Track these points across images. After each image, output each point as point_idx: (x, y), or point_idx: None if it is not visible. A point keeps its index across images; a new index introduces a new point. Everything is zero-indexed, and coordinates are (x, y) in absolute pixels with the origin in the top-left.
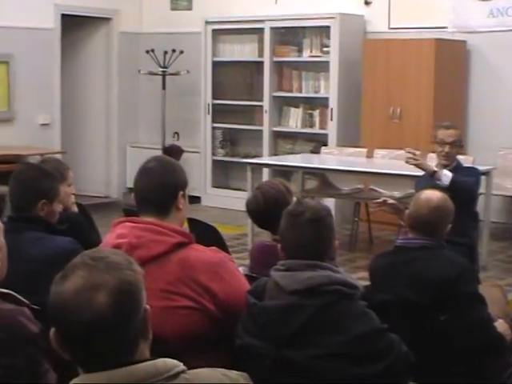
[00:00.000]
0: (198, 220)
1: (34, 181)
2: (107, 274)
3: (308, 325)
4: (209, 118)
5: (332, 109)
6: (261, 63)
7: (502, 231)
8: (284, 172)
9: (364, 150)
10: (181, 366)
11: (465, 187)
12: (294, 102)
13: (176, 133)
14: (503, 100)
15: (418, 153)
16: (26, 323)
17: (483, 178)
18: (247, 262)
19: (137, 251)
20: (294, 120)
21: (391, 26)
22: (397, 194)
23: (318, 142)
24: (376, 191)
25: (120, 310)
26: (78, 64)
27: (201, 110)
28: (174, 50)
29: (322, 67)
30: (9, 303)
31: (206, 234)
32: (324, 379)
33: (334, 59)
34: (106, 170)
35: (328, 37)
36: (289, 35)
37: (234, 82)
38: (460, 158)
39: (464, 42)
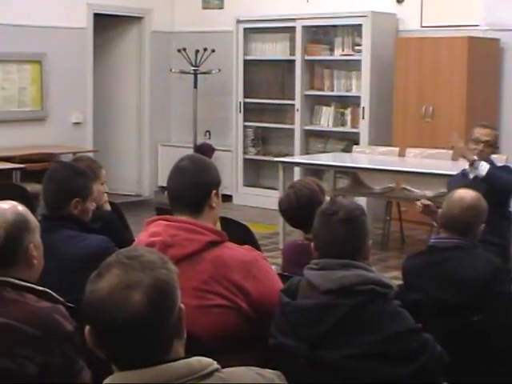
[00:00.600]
0: (230, 219)
1: (67, 179)
2: (142, 273)
3: (341, 324)
4: (240, 116)
5: (364, 107)
6: (292, 62)
7: None
8: (315, 171)
9: (396, 149)
10: (215, 364)
11: (501, 181)
12: (326, 101)
13: (207, 131)
14: None
15: (456, 135)
16: (62, 321)
17: None
18: (278, 260)
19: (170, 250)
20: (326, 119)
21: (423, 25)
22: (429, 193)
23: (349, 141)
24: (408, 190)
25: (155, 309)
26: (110, 63)
27: (232, 108)
28: (205, 49)
29: (353, 66)
30: (45, 301)
31: (238, 232)
32: (357, 379)
33: (365, 58)
34: (137, 168)
35: (360, 35)
36: (320, 34)
37: (266, 80)
38: (493, 156)
39: (497, 40)
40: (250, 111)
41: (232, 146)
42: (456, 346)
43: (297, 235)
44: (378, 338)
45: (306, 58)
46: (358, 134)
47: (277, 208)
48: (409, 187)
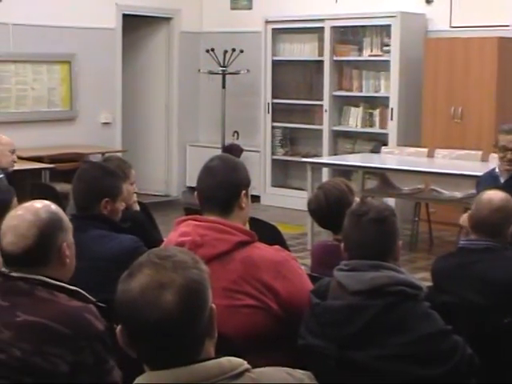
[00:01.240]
0: (259, 219)
1: (97, 179)
2: (174, 273)
3: (371, 325)
4: (268, 117)
5: (392, 108)
6: (321, 62)
7: None
8: (344, 171)
9: (425, 150)
10: (245, 364)
11: None
12: (354, 102)
13: (236, 132)
14: None
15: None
16: (93, 321)
17: None
18: (306, 261)
19: (200, 249)
20: (354, 119)
21: (453, 25)
22: (458, 194)
23: (378, 142)
24: (437, 191)
25: (187, 309)
26: (139, 63)
27: (260, 109)
28: (233, 50)
29: (382, 66)
30: (76, 300)
31: (266, 233)
32: (387, 380)
33: (394, 58)
34: (166, 168)
35: (388, 36)
36: (349, 34)
37: (294, 81)
38: None
39: None
40: (278, 112)
41: (260, 146)
42: (486, 348)
43: (325, 236)
44: (408, 339)
45: (335, 58)
46: (386, 134)
47: (305, 209)
48: (437, 188)
